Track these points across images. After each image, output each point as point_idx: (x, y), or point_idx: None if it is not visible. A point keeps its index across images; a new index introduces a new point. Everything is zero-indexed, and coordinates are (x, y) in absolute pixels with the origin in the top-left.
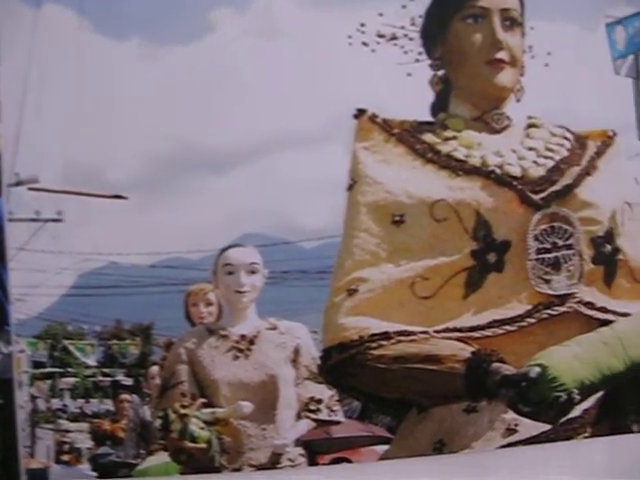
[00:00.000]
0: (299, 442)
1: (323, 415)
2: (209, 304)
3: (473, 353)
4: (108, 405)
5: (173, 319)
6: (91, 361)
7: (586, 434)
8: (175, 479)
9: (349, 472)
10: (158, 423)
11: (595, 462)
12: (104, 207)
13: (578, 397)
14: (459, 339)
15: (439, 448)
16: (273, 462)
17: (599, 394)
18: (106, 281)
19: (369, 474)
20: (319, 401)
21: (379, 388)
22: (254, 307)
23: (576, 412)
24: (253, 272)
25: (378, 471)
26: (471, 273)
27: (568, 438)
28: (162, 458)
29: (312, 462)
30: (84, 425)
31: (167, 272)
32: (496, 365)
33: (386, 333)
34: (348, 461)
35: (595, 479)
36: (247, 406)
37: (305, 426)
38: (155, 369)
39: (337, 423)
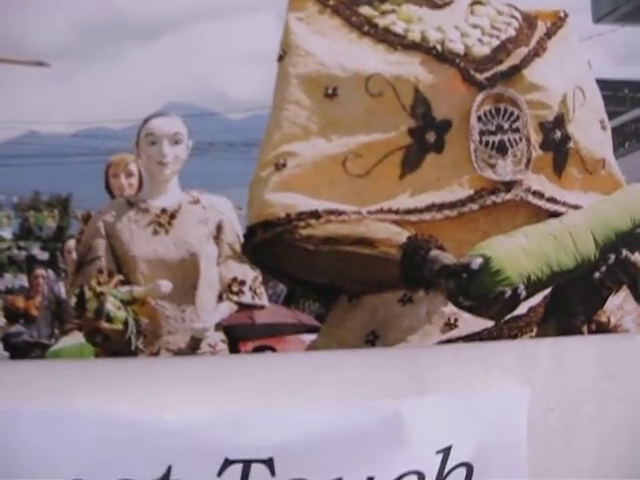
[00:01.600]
0: (220, 327)
1: (246, 298)
2: (130, 175)
3: (409, 238)
4: (22, 281)
5: (93, 191)
6: (6, 233)
7: (532, 334)
8: (89, 362)
9: (273, 362)
10: (73, 301)
11: (540, 364)
12: (25, 74)
13: (524, 293)
14: (394, 222)
15: (372, 340)
16: (192, 347)
17: (546, 291)
18: (25, 151)
19: (295, 365)
20: (242, 283)
21: (307, 271)
22: (176, 180)
23: (521, 309)
24: (177, 143)
25: (305, 362)
26: (408, 152)
27: (512, 337)
28: (76, 339)
29: (234, 349)
30: None
31: (89, 142)
32: (435, 253)
33: (315, 212)
34: (272, 349)
35: (540, 382)
36: (166, 285)
37: (227, 309)
38: (72, 243)
39: (261, 308)
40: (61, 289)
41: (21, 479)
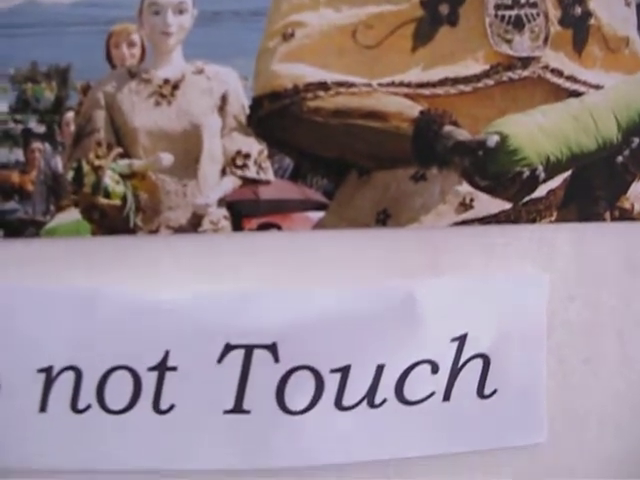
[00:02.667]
0: (223, 202)
1: (251, 172)
2: (132, 45)
3: (422, 112)
4: (18, 155)
5: (93, 61)
6: (2, 106)
7: (551, 218)
8: (86, 240)
9: (279, 240)
10: (70, 176)
11: (561, 251)
12: None
13: (542, 174)
14: (406, 95)
15: (383, 219)
16: (193, 224)
17: (566, 174)
18: (23, 20)
19: (301, 244)
20: (247, 156)
21: (315, 145)
22: (180, 50)
23: (540, 192)
24: (181, 12)
25: (312, 241)
26: (421, 24)
27: (531, 221)
28: (72, 216)
29: (237, 226)
30: None
31: (90, 11)
32: (449, 128)
33: (324, 83)
34: (278, 227)
35: (560, 270)
36: (167, 158)
37: (230, 184)
38: (70, 115)
39: (266, 183)
40: (58, 163)
41: (12, 364)
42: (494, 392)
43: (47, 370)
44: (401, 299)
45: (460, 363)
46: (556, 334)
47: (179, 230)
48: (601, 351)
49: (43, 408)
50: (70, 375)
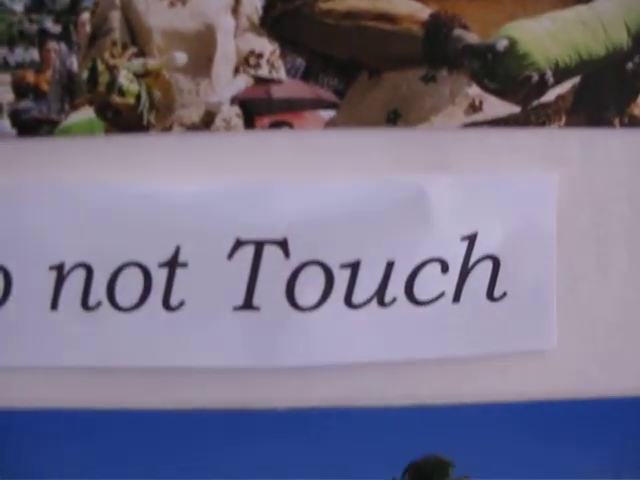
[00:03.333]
0: (236, 101)
1: (263, 71)
2: None
3: (432, 15)
4: (33, 55)
5: None
6: (17, 6)
7: (560, 123)
8: (99, 138)
9: (290, 138)
10: (85, 75)
11: (569, 157)
12: None
13: (551, 79)
14: None
15: (393, 119)
16: (206, 122)
17: (575, 80)
18: None
19: (313, 141)
20: (259, 56)
21: (327, 46)
22: None
23: (549, 96)
24: None
25: (324, 139)
26: None
27: (540, 125)
28: (87, 114)
29: (249, 124)
30: (6, 77)
31: None
32: (458, 31)
33: None
34: (290, 125)
35: (569, 176)
36: (181, 57)
37: (243, 83)
38: (86, 16)
39: (278, 82)
40: (73, 63)
41: (24, 263)
42: (504, 295)
43: (58, 267)
44: (412, 194)
45: (470, 263)
46: (565, 240)
47: (192, 128)
48: (610, 259)
49: (54, 306)
50: (81, 272)
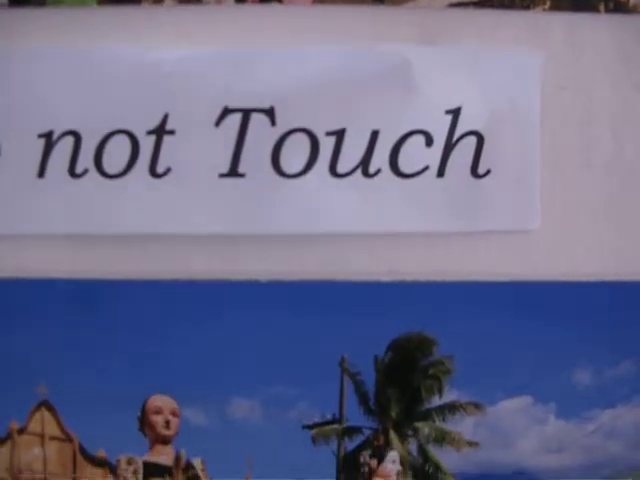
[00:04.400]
0: None
1: None
2: None
3: None
4: None
5: None
6: None
7: (545, 7)
8: (91, 9)
9: (279, 12)
10: None
11: (554, 40)
12: None
13: None
14: None
15: None
16: None
17: None
18: None
19: (301, 16)
20: None
21: None
22: None
23: None
24: None
25: (312, 14)
26: None
27: (524, 7)
28: None
29: None
30: None
31: None
32: None
33: None
34: (279, 0)
35: (553, 60)
36: None
37: None
38: None
39: None
40: None
41: (12, 130)
42: (488, 172)
43: (47, 135)
44: (397, 64)
45: (454, 138)
46: (549, 123)
47: (183, 0)
48: (594, 143)
49: (41, 174)
50: (69, 140)
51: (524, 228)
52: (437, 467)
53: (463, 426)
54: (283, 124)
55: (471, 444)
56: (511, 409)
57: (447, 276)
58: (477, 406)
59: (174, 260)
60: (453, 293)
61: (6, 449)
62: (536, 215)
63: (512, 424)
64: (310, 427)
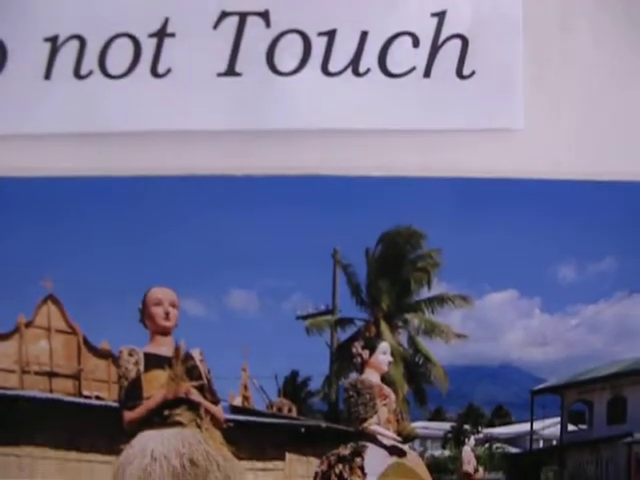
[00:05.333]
0: None
1: None
2: None
3: None
4: None
5: None
6: None
7: None
8: None
9: None
10: None
11: None
12: None
13: None
14: None
15: None
16: None
17: None
18: None
19: None
20: None
21: None
22: None
23: None
24: None
25: None
26: None
27: None
28: None
29: None
30: None
31: None
32: None
33: None
34: None
35: None
36: None
37: None
38: None
39: None
40: None
41: (20, 35)
42: (473, 73)
43: (52, 39)
44: None
45: (440, 40)
46: (531, 26)
47: None
48: (576, 46)
49: (47, 76)
50: (74, 43)
51: (508, 127)
52: (427, 358)
53: (451, 319)
54: (277, 26)
55: (459, 336)
56: (498, 302)
57: (434, 172)
58: (465, 299)
59: (174, 156)
60: (441, 189)
61: (14, 342)
62: (519, 115)
63: (499, 317)
64: (304, 318)
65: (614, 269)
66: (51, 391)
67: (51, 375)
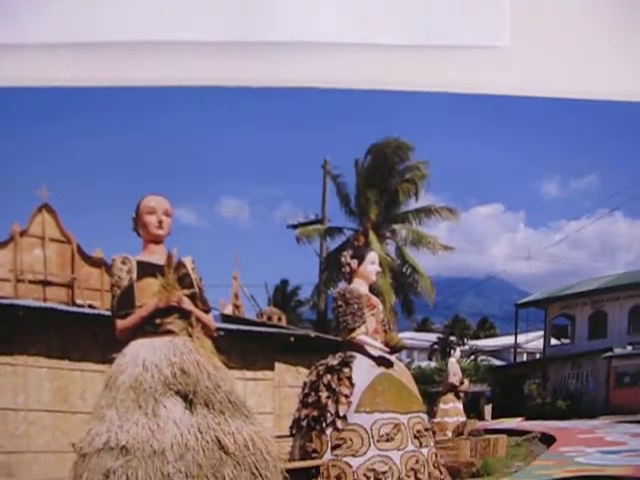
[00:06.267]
0: None
1: None
2: None
3: None
4: None
5: None
6: None
7: None
8: None
9: None
10: None
11: None
12: None
13: None
14: None
15: None
16: None
17: None
18: None
19: None
20: None
21: None
22: None
23: None
24: None
25: None
26: None
27: None
28: None
29: None
30: None
31: None
32: None
33: None
34: None
35: None
36: None
37: None
38: None
39: None
40: None
41: None
42: None
43: None
44: None
45: None
46: None
47: None
48: None
49: None
50: None
51: (493, 44)
52: (414, 269)
53: (438, 231)
54: None
55: (446, 248)
56: (483, 215)
57: (422, 87)
58: (451, 211)
59: (171, 67)
60: (429, 103)
61: (9, 251)
62: (505, 32)
63: (484, 230)
64: (294, 227)
65: (595, 186)
66: (45, 300)
67: (45, 284)
